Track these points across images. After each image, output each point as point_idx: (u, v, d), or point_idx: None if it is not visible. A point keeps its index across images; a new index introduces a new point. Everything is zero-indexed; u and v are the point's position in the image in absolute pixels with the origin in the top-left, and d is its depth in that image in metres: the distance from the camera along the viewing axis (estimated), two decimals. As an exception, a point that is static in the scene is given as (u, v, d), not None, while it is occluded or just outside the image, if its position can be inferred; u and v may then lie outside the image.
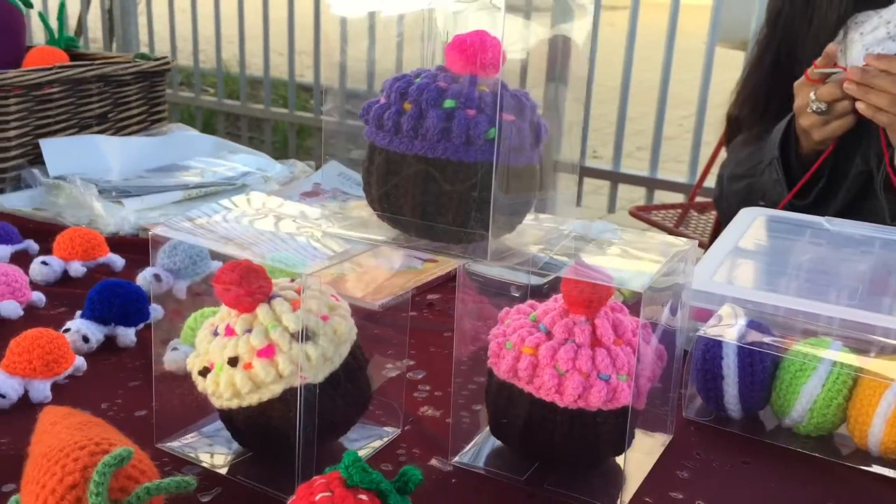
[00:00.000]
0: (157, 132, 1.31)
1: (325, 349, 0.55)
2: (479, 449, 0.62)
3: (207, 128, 3.65)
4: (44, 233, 0.99)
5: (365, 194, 0.56)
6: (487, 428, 0.62)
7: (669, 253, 0.57)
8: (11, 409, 0.64)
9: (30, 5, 1.39)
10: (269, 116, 3.59)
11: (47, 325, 0.76)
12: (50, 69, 1.14)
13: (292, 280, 0.59)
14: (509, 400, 0.57)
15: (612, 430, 0.55)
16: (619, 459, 0.59)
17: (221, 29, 3.56)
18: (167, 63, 1.31)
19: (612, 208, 2.82)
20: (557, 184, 0.59)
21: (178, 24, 3.65)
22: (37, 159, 1.15)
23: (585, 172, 2.73)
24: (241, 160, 1.28)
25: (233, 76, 4.37)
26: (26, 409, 0.64)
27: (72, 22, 3.76)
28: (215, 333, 0.57)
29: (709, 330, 0.65)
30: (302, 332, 0.53)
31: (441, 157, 0.51)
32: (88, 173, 1.14)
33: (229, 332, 0.56)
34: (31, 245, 0.96)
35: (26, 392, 0.65)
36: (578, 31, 0.57)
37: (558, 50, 0.57)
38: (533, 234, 0.57)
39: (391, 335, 0.80)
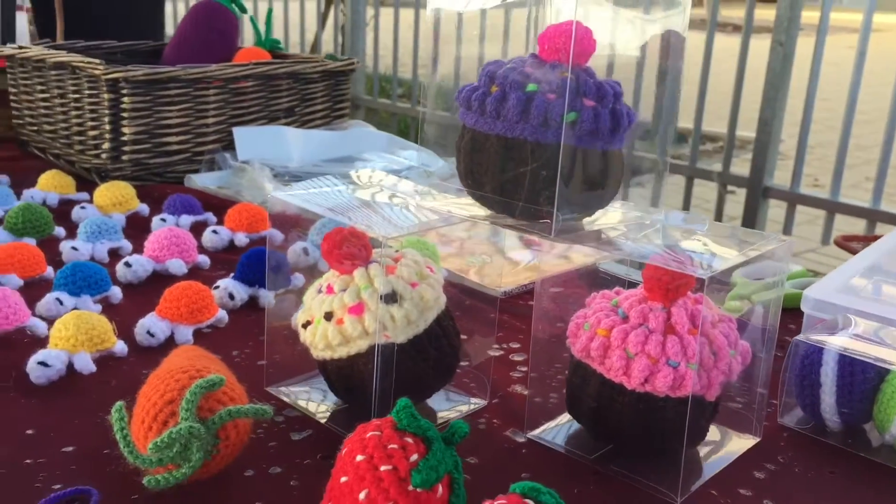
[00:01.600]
0: (338, 127, 1.42)
1: (409, 312, 0.59)
2: (558, 429, 0.64)
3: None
4: (222, 208, 1.12)
5: (457, 172, 0.60)
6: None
7: (756, 248, 0.56)
8: (159, 347, 0.74)
9: (244, 10, 1.56)
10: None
11: (205, 283, 0.87)
12: (246, 65, 1.27)
13: (397, 251, 0.64)
14: (583, 379, 0.59)
15: (679, 417, 0.55)
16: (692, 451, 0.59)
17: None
18: (352, 64, 1.41)
19: (825, 239, 2.59)
20: (647, 175, 0.59)
21: (402, 38, 3.87)
22: (229, 145, 1.29)
23: (799, 200, 2.55)
24: (409, 156, 1.36)
25: (449, 88, 4.54)
26: (172, 348, 0.74)
27: (309, 37, 4.10)
28: (319, 291, 0.63)
29: (810, 335, 0.63)
30: (385, 295, 0.58)
31: (519, 136, 0.53)
32: (272, 160, 1.26)
33: (329, 290, 0.62)
34: (210, 217, 1.09)
35: (173, 334, 0.75)
36: (677, 24, 0.57)
37: (656, 43, 0.58)
38: (615, 219, 0.58)
39: (505, 320, 0.83)
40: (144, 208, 1.11)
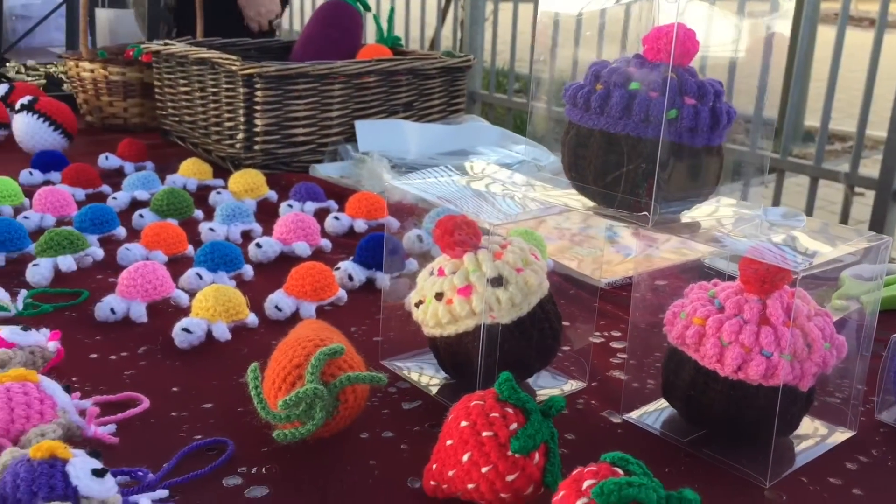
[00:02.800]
0: (453, 121, 1.47)
1: (513, 295, 0.63)
2: (653, 413, 0.67)
3: (537, 134, 3.83)
4: (343, 196, 1.19)
5: (562, 165, 0.64)
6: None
7: (853, 245, 0.57)
8: (285, 320, 0.81)
9: (368, 8, 1.63)
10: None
11: (327, 265, 0.94)
12: (369, 62, 1.34)
13: (505, 239, 0.68)
14: (678, 364, 0.62)
15: (770, 405, 0.57)
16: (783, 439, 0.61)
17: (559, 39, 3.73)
18: (469, 61, 1.46)
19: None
20: (747, 171, 0.61)
21: (520, 34, 3.90)
22: (351, 137, 1.36)
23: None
24: (521, 150, 1.40)
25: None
26: (297, 322, 0.81)
27: (429, 32, 4.20)
28: (431, 273, 0.68)
29: (911, 333, 0.63)
30: (493, 279, 0.63)
31: (621, 132, 0.57)
32: (390, 152, 1.33)
33: (440, 272, 0.67)
34: (332, 204, 1.16)
35: (298, 309, 0.82)
36: (780, 23, 0.59)
37: (759, 42, 0.60)
38: (713, 213, 0.60)
39: (608, 310, 0.86)
40: (273, 195, 1.20)
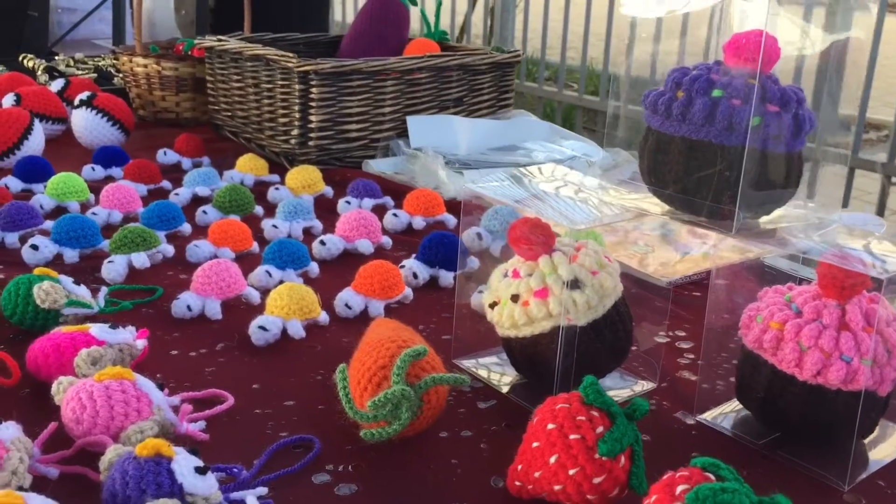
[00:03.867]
0: (503, 116, 1.48)
1: (590, 298, 0.64)
2: (725, 414, 0.68)
3: (566, 122, 3.83)
4: (399, 192, 1.21)
5: (639, 170, 0.64)
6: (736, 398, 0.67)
7: (935, 250, 0.58)
8: (354, 318, 0.83)
9: (414, 3, 1.64)
10: (625, 113, 3.68)
11: (388, 262, 0.95)
12: (420, 58, 1.35)
13: (577, 241, 0.70)
14: (754, 368, 0.62)
15: (849, 410, 0.58)
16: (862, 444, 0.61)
17: (591, 26, 3.71)
18: (518, 55, 1.47)
19: None
20: (824, 176, 0.62)
21: (552, 21, 3.89)
22: (403, 133, 1.37)
23: None
24: (570, 145, 1.40)
25: (596, 73, 4.54)
26: (366, 320, 0.83)
27: (459, 19, 4.19)
28: (505, 275, 0.69)
29: None
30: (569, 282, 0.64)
31: (704, 139, 0.58)
32: (442, 147, 1.34)
33: (515, 274, 0.68)
34: (388, 200, 1.18)
35: (366, 307, 0.84)
36: (860, 28, 0.59)
37: (837, 47, 0.60)
38: (792, 218, 0.61)
39: (671, 309, 0.87)
40: (329, 190, 1.22)
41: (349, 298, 0.83)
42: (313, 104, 1.28)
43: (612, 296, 0.66)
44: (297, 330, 0.77)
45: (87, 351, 0.65)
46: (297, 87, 1.28)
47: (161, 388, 0.62)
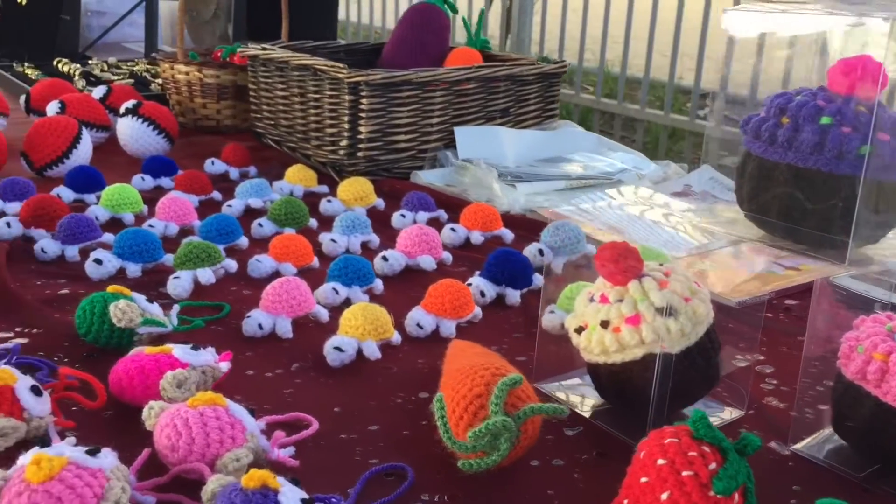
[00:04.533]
0: (548, 127, 1.47)
1: (683, 325, 0.63)
2: (819, 444, 0.66)
3: (583, 125, 3.82)
4: (452, 205, 1.20)
5: (735, 196, 0.63)
6: (829, 427, 0.66)
7: None
8: (426, 338, 0.82)
9: (455, 10, 1.63)
10: (644, 117, 3.67)
11: (448, 279, 0.94)
12: (469, 69, 1.35)
13: (661, 264, 0.68)
14: (855, 400, 0.61)
15: (959, 445, 0.57)
16: (966, 479, 0.60)
17: (609, 28, 3.71)
18: (564, 66, 1.46)
19: None
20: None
21: (569, 23, 3.88)
22: (450, 143, 1.36)
23: None
24: (619, 157, 1.39)
25: (612, 76, 4.53)
26: (438, 340, 0.82)
27: (473, 19, 4.19)
28: (591, 300, 0.68)
29: None
30: (666, 308, 0.63)
31: (812, 167, 0.56)
32: (489, 158, 1.33)
33: (603, 299, 0.67)
34: (442, 214, 1.17)
35: (438, 327, 0.83)
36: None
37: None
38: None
39: (745, 331, 0.86)
40: (380, 202, 1.21)
41: (420, 318, 0.82)
42: (363, 115, 1.27)
43: (704, 322, 0.65)
44: (372, 351, 0.76)
45: (173, 374, 0.64)
46: (346, 97, 1.27)
47: (252, 413, 0.61)
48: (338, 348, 0.75)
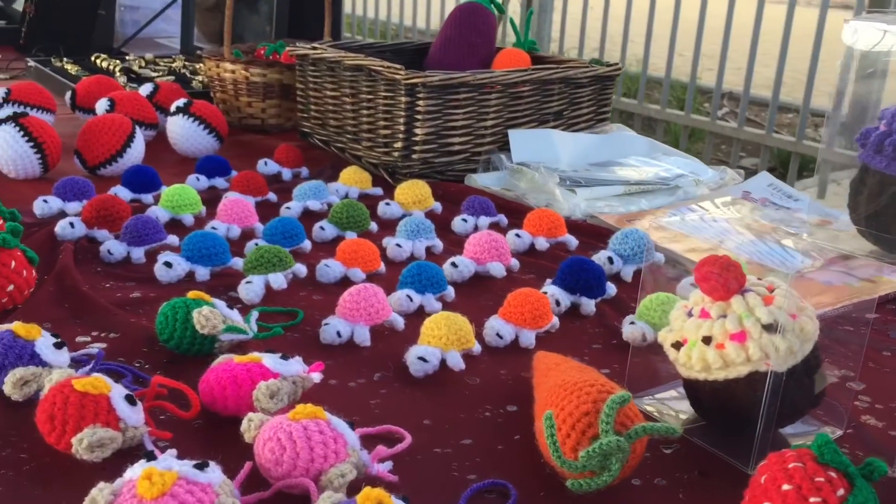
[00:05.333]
0: (601, 130, 1.45)
1: (791, 343, 0.62)
2: (923, 465, 0.65)
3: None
4: (510, 209, 1.18)
5: (849, 211, 0.62)
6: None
7: None
8: (505, 348, 0.80)
9: (502, 10, 1.61)
10: (664, 117, 3.64)
11: (518, 286, 0.93)
12: (524, 71, 1.33)
13: (759, 278, 0.67)
14: (969, 423, 0.59)
15: None
16: None
17: (630, 27, 3.68)
18: (618, 69, 1.44)
19: None
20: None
21: (589, 21, 3.85)
22: (503, 146, 1.35)
23: None
24: (674, 162, 1.37)
25: (631, 75, 4.51)
26: (517, 350, 0.80)
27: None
28: (689, 314, 0.67)
29: None
30: (776, 325, 0.61)
31: (940, 185, 0.55)
32: (543, 162, 1.31)
33: (704, 314, 0.65)
34: (502, 218, 1.15)
35: (517, 337, 0.81)
36: None
37: None
38: None
39: (825, 343, 0.84)
40: (438, 206, 1.19)
41: (500, 327, 0.80)
42: (419, 117, 1.26)
43: (811, 340, 0.63)
44: (456, 362, 0.74)
45: (266, 384, 0.63)
46: (403, 99, 1.26)
47: (352, 426, 0.60)
48: (422, 358, 0.74)
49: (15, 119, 1.20)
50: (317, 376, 0.66)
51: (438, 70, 1.29)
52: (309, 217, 1.14)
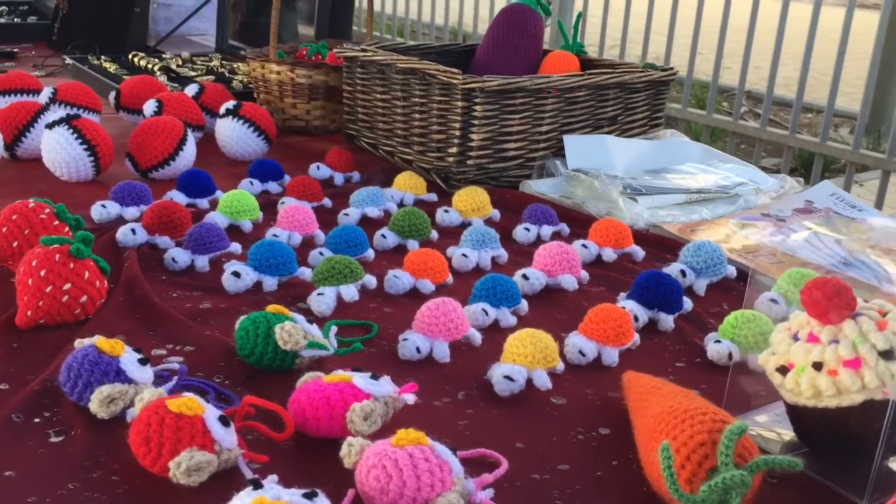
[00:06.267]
0: (654, 136, 1.43)
1: (909, 371, 0.59)
2: None
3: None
4: (571, 218, 1.16)
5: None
6: None
7: None
8: (588, 366, 0.78)
9: (549, 12, 1.59)
10: (685, 116, 3.60)
11: (590, 300, 0.90)
12: (581, 75, 1.30)
13: (865, 300, 0.64)
14: None
15: None
16: None
17: (652, 26, 3.63)
18: (673, 73, 1.41)
19: None
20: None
21: (609, 19, 3.82)
22: (557, 152, 1.32)
23: None
24: (731, 170, 1.35)
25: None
26: (599, 368, 0.78)
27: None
28: (795, 338, 0.64)
29: None
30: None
31: None
32: (599, 168, 1.29)
33: (812, 339, 0.63)
34: (564, 228, 1.13)
35: (599, 355, 0.79)
36: None
37: None
38: None
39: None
40: (496, 213, 1.17)
41: (582, 345, 0.78)
42: (475, 122, 1.24)
43: (927, 368, 0.61)
44: (543, 381, 0.72)
45: (360, 406, 0.61)
46: (459, 103, 1.23)
47: (455, 452, 0.58)
48: (508, 377, 0.72)
49: (68, 121, 1.19)
50: (410, 398, 0.64)
51: (487, 73, 1.26)
52: (366, 224, 1.12)
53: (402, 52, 1.49)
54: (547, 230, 1.10)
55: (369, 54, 1.41)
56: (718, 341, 0.80)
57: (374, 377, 0.65)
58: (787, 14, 2.92)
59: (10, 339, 0.75)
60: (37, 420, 0.64)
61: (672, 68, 1.43)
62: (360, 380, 0.64)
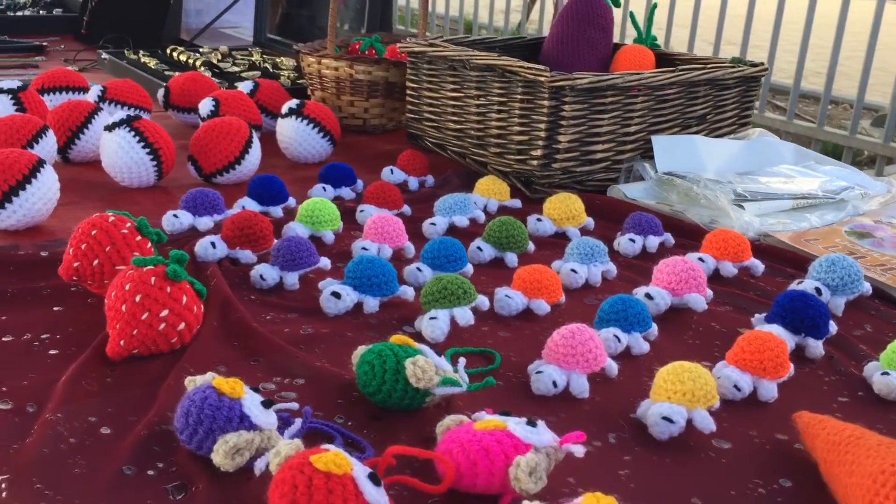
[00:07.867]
0: (743, 136, 1.34)
1: None
2: None
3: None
4: (671, 227, 1.07)
5: None
6: None
7: None
8: (743, 402, 0.70)
9: (618, 4, 1.50)
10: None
11: (720, 322, 0.82)
12: (671, 72, 1.22)
13: None
14: None
15: None
16: None
17: (674, 19, 3.53)
18: (765, 69, 1.32)
19: None
20: None
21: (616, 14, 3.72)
22: (645, 153, 1.24)
23: None
24: (831, 172, 1.26)
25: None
26: (756, 404, 0.70)
27: (514, 17, 4.02)
28: None
29: None
30: None
31: None
32: (690, 171, 1.20)
33: None
34: (668, 238, 1.04)
35: (755, 389, 0.70)
36: None
37: None
38: None
39: None
40: (590, 222, 1.09)
41: (737, 378, 0.70)
42: (564, 122, 1.15)
43: None
44: (706, 423, 0.64)
45: (525, 460, 0.53)
46: (545, 103, 1.15)
47: (650, 522, 0.49)
48: (667, 419, 0.63)
49: (129, 122, 1.11)
50: (579, 449, 0.56)
51: (558, 70, 1.17)
52: (453, 234, 1.04)
53: (466, 45, 1.41)
54: (653, 241, 1.02)
55: (439, 49, 1.32)
56: (886, 373, 0.71)
57: (531, 423, 0.57)
58: (815, 7, 2.82)
59: (102, 373, 0.67)
60: (150, 472, 0.56)
61: (763, 64, 1.34)
62: (518, 428, 0.56)
